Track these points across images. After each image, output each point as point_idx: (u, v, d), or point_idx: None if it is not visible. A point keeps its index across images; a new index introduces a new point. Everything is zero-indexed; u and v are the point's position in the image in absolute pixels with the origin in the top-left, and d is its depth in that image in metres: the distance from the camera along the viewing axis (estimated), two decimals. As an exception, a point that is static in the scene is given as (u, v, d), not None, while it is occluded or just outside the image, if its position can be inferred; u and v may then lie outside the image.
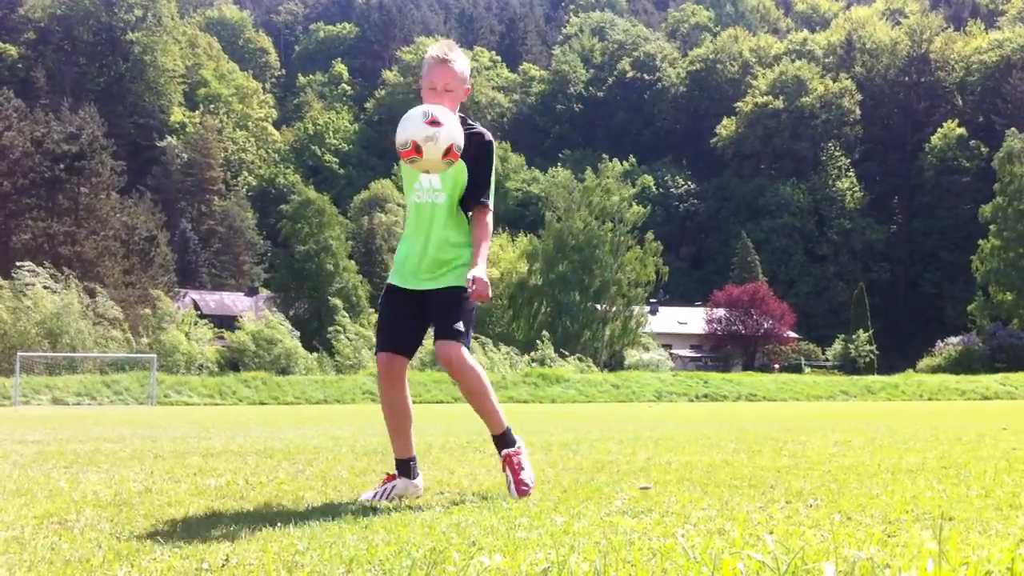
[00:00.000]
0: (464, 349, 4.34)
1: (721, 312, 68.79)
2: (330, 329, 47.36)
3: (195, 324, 46.55)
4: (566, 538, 3.09)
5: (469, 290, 4.23)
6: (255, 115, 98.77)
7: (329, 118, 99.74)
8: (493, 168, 4.43)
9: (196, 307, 59.34)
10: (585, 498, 4.22)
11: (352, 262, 62.96)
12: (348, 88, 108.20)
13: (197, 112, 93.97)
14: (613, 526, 3.35)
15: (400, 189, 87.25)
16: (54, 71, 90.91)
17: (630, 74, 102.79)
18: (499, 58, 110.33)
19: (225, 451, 7.76)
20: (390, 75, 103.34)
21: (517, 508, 3.88)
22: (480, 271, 4.25)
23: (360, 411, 25.32)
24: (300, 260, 59.53)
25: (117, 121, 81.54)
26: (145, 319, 42.81)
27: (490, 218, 4.44)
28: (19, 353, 34.69)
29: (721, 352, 69.55)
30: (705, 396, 43.25)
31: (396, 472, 4.51)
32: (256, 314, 51.95)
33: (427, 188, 4.38)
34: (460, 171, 4.33)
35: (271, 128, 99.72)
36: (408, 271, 4.42)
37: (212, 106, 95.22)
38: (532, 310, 59.10)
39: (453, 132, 4.08)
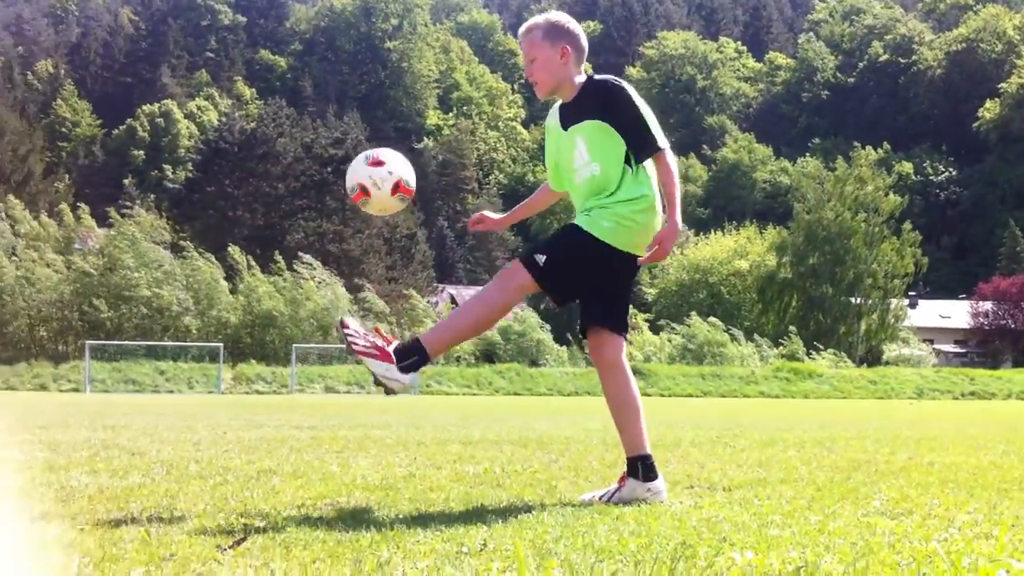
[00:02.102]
0: (519, 266, 3.95)
1: (988, 305, 64.88)
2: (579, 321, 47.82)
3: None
4: (820, 537, 3.04)
5: (648, 251, 3.91)
6: (505, 115, 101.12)
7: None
8: (640, 109, 4.01)
9: (453, 301, 61.37)
10: (840, 497, 4.12)
11: (600, 256, 63.24)
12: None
13: (451, 114, 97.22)
14: (871, 527, 3.26)
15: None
16: (319, 80, 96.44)
17: (883, 57, 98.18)
18: (744, 48, 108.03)
19: (483, 440, 8.02)
20: (633, 71, 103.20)
21: (769, 505, 3.84)
22: (673, 227, 3.89)
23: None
24: (549, 255, 60.29)
25: (378, 125, 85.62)
26: (407, 313, 44.75)
27: (670, 160, 3.99)
28: (294, 345, 37.11)
29: (988, 348, 65.44)
30: (971, 394, 40.86)
31: (626, 472, 4.11)
32: (507, 308, 53.22)
33: (581, 164, 4.12)
34: (604, 132, 4.04)
35: (520, 127, 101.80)
36: None
37: (465, 108, 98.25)
38: (782, 304, 57.54)
39: (398, 169, 4.07)
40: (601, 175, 4.05)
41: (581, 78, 4.20)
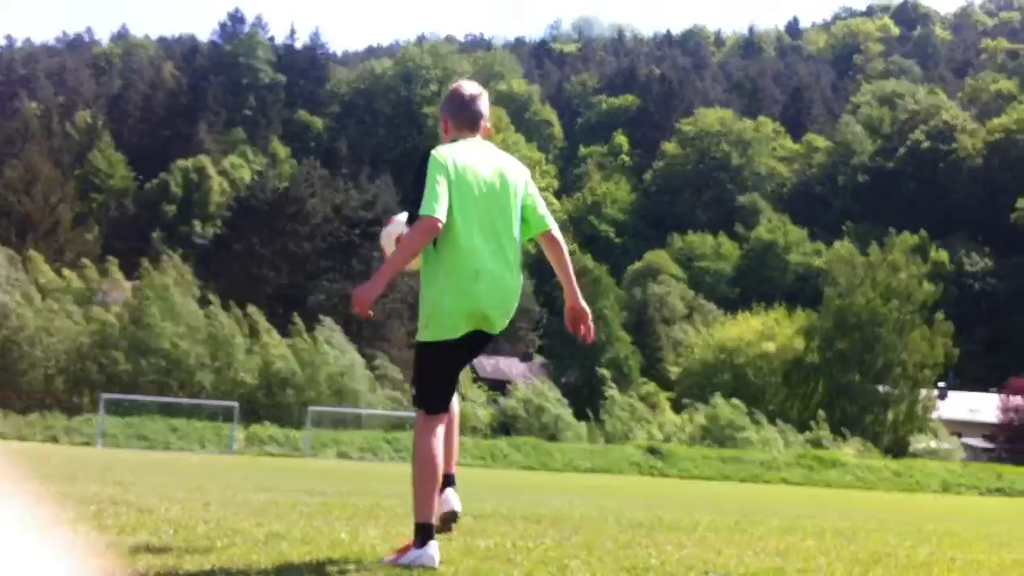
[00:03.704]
0: (418, 411, 4.39)
1: (1019, 400, 63.88)
2: (605, 397, 47.57)
3: (470, 387, 47.99)
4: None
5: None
6: (538, 185, 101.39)
7: (607, 188, 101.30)
8: (428, 177, 4.26)
9: (473, 370, 61.24)
10: (862, 594, 3.95)
11: (624, 332, 63.18)
12: (627, 159, 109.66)
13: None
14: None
15: (673, 260, 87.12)
16: (355, 142, 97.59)
17: (924, 144, 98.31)
18: (782, 128, 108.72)
19: (495, 514, 7.90)
20: (669, 146, 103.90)
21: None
22: (376, 275, 4.26)
23: (628, 482, 25.16)
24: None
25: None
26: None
27: (416, 226, 4.19)
28: (309, 408, 37.01)
29: (1018, 444, 64.32)
30: (998, 490, 40.04)
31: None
32: (527, 380, 52.98)
33: None
34: None
35: (552, 198, 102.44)
36: None
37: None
38: (808, 388, 56.88)
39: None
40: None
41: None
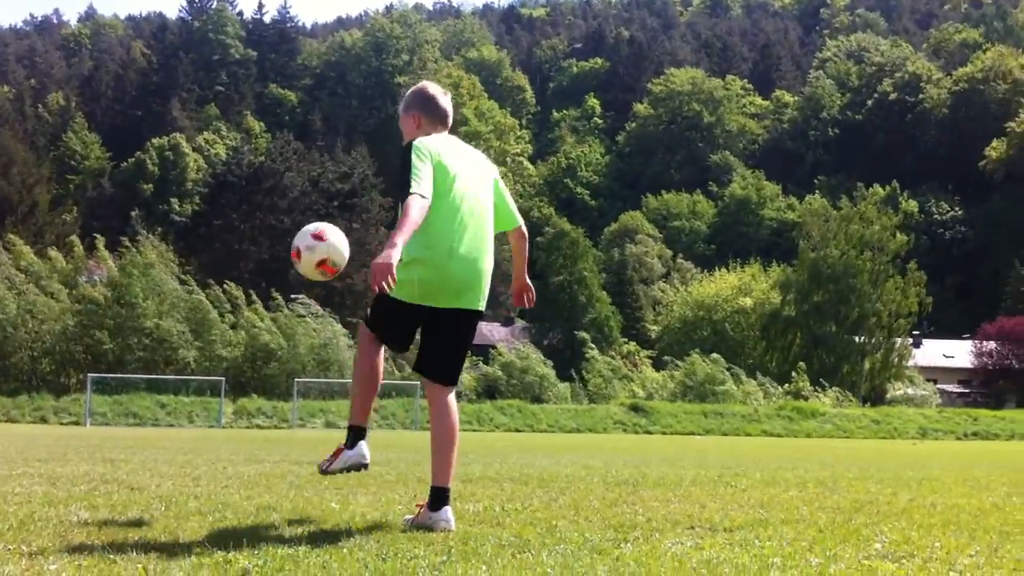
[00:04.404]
0: (363, 326, 4.79)
1: (992, 345, 64.63)
2: (586, 359, 47.84)
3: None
4: (820, 580, 3.03)
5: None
6: (512, 151, 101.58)
7: (582, 151, 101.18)
8: (407, 164, 4.51)
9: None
10: (842, 539, 4.11)
11: (604, 293, 63.38)
12: (600, 121, 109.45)
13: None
14: (872, 570, 3.25)
15: (649, 221, 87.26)
16: (329, 114, 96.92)
17: (892, 96, 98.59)
18: (751, 86, 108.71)
19: (483, 477, 8.00)
20: (641, 107, 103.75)
21: (770, 547, 3.83)
22: (389, 241, 4.25)
23: (612, 440, 25.40)
24: (554, 291, 60.48)
25: (387, 159, 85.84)
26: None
27: (408, 202, 4.39)
28: (296, 380, 37.07)
29: (992, 388, 65.17)
30: (974, 434, 40.68)
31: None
32: (509, 344, 53.17)
33: None
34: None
35: (527, 163, 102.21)
36: None
37: (473, 143, 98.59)
38: (786, 341, 57.42)
39: (331, 249, 4.64)
40: None
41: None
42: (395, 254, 4.13)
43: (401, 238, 4.20)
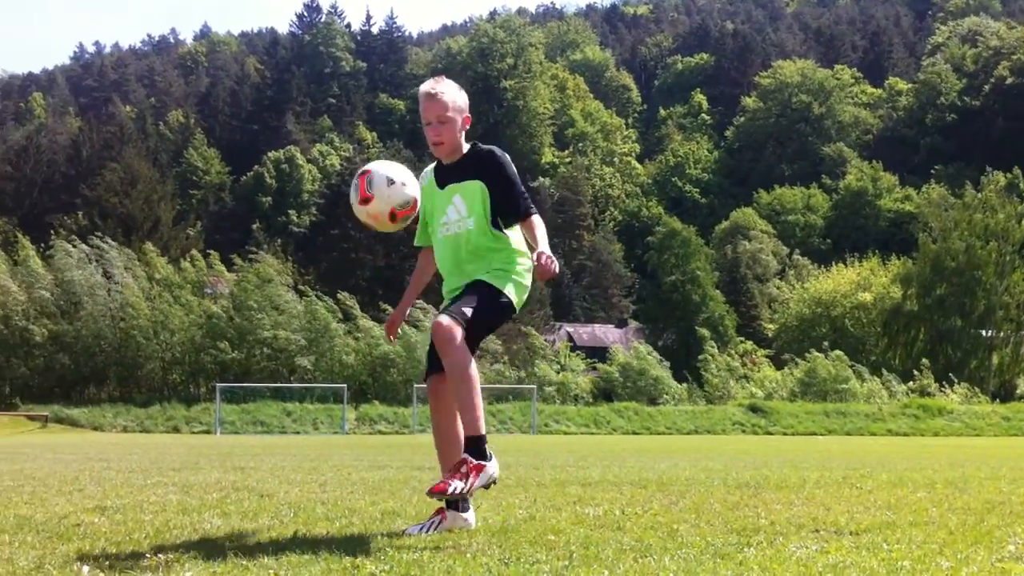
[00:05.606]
0: (459, 329, 4.20)
1: None
2: (699, 359, 47.37)
3: (569, 356, 48.14)
4: (952, 584, 2.96)
5: (536, 263, 4.19)
6: (619, 150, 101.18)
7: (689, 148, 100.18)
8: (514, 179, 4.45)
9: (570, 339, 61.36)
10: (974, 542, 4.00)
11: (718, 291, 62.67)
12: (707, 118, 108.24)
13: (566, 151, 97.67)
14: (1005, 573, 3.16)
15: (761, 216, 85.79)
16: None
17: (1009, 80, 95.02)
18: (860, 75, 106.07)
19: (602, 480, 7.99)
20: (749, 101, 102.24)
21: (899, 550, 3.75)
22: (543, 248, 4.23)
23: (731, 442, 25.08)
24: (667, 291, 60.07)
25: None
26: (520, 353, 44.84)
27: (536, 219, 4.42)
28: (415, 385, 37.63)
29: None
30: (1114, 430, 39.04)
31: (444, 506, 4.50)
32: (625, 345, 52.97)
33: (455, 219, 4.50)
34: (483, 193, 4.44)
35: (634, 162, 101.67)
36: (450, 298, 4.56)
37: (580, 145, 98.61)
38: (909, 337, 55.76)
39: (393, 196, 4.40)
40: (475, 230, 4.44)
41: (466, 145, 4.56)
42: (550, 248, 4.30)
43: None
